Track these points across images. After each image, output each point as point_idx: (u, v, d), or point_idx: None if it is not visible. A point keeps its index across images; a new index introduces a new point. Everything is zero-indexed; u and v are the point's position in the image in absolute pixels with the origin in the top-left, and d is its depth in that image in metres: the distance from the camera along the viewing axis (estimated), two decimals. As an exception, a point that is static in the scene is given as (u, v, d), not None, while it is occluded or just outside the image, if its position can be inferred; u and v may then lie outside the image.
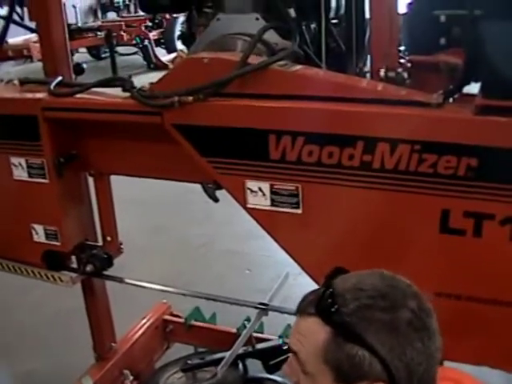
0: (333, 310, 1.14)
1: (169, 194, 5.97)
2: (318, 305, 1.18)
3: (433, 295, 1.87)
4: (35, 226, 2.54)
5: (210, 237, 5.32)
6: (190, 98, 1.96)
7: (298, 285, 4.21)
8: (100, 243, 2.70)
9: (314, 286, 1.33)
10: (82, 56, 12.97)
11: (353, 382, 1.14)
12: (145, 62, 12.99)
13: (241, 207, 2.03)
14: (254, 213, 2.03)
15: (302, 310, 1.23)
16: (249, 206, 2.03)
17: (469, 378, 1.47)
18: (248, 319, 3.14)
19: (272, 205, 1.99)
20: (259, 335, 3.09)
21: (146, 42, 12.72)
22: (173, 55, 10.51)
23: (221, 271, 4.54)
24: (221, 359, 2.74)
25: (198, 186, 2.20)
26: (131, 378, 3.16)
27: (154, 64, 12.68)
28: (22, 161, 2.45)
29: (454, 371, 1.38)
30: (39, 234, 2.54)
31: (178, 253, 5.07)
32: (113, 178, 2.66)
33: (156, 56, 12.90)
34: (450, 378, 1.34)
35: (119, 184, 2.69)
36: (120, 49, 13.06)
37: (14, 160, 2.47)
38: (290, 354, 1.27)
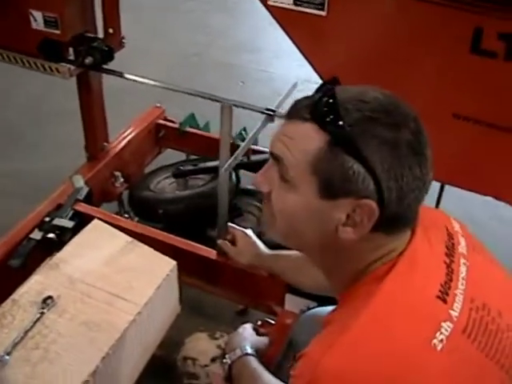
0: (332, 117, 1.05)
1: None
2: (314, 110, 1.08)
3: (451, 115, 1.84)
4: (34, 12, 2.40)
5: (205, 46, 5.17)
6: None
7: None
8: (101, 36, 2.58)
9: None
10: None
11: (337, 197, 1.07)
12: None
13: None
14: (275, 11, 1.93)
15: (293, 114, 1.12)
16: (270, 3, 1.92)
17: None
18: (244, 129, 3.09)
19: (295, 4, 1.88)
20: (254, 147, 3.04)
21: None
22: None
23: (214, 81, 4.42)
24: (213, 167, 2.70)
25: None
26: (122, 179, 3.13)
27: None
28: None
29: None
30: (38, 20, 2.41)
31: (171, 60, 4.95)
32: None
33: None
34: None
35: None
36: None
37: None
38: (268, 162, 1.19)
